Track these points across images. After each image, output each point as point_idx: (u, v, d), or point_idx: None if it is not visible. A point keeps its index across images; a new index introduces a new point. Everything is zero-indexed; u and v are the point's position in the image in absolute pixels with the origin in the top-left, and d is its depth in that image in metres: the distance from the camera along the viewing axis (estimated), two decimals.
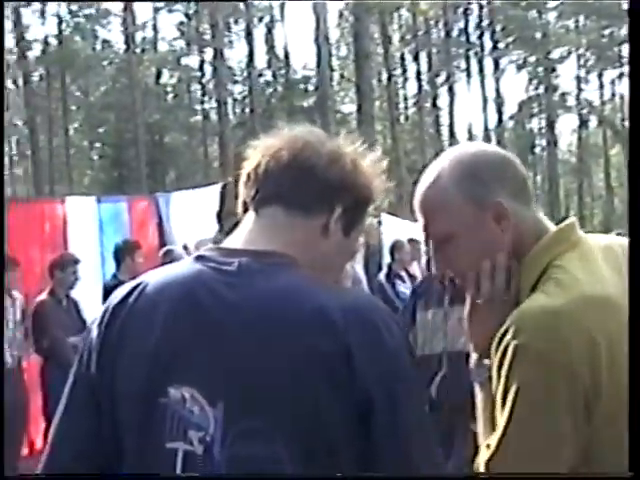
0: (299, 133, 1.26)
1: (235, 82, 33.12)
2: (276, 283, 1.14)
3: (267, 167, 1.23)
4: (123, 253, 6.16)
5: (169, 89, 34.49)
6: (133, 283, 1.23)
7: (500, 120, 33.35)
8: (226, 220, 8.09)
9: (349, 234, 1.26)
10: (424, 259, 8.42)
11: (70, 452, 1.21)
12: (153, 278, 1.22)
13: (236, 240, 1.24)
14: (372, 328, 1.11)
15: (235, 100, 33.23)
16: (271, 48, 33.87)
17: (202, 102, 33.75)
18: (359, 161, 1.26)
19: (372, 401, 1.08)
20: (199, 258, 1.21)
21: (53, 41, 30.57)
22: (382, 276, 7.93)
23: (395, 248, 7.86)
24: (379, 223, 9.74)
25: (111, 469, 1.18)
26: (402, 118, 35.24)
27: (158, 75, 33.33)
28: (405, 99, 36.41)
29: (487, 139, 31.75)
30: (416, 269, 8.01)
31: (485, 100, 33.39)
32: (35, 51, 30.37)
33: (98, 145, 34.27)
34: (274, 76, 34.45)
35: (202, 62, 32.79)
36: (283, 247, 1.19)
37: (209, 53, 30.83)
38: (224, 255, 1.19)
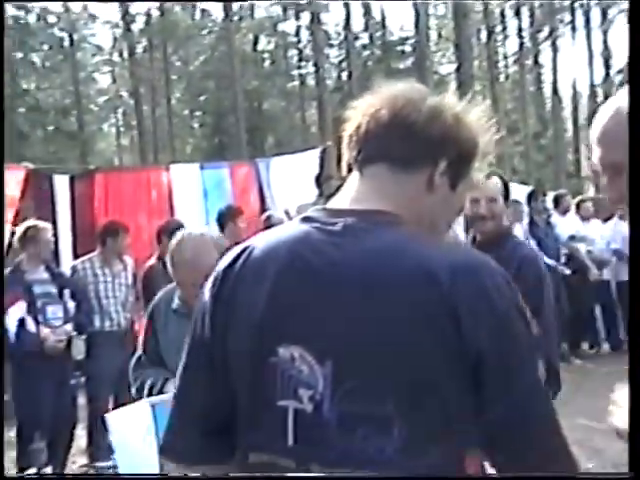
0: (399, 91, 1.26)
1: (332, 46, 32.99)
2: (381, 242, 1.14)
3: (368, 127, 1.24)
4: (226, 218, 6.30)
5: (266, 55, 34.70)
6: (241, 247, 1.26)
7: (607, 74, 31.86)
8: (325, 184, 8.10)
9: (455, 188, 1.25)
10: (525, 220, 8.23)
11: (191, 411, 1.27)
12: (260, 241, 1.24)
13: (341, 200, 1.25)
14: (480, 288, 1.09)
15: (332, 64, 33.13)
16: (367, 10, 33.47)
17: (299, 67, 33.82)
18: (462, 115, 1.25)
19: (482, 361, 1.07)
20: (305, 219, 1.23)
21: (155, 12, 31.26)
22: None
23: None
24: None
25: (229, 426, 1.23)
26: (502, 77, 34.21)
27: (255, 42, 33.58)
28: (505, 57, 35.25)
29: (593, 95, 30.43)
30: (519, 230, 7.84)
31: (591, 54, 31.95)
32: (139, 23, 31.17)
33: (198, 114, 34.95)
34: (371, 39, 34.07)
35: (299, 27, 32.81)
36: (388, 205, 1.19)
37: (306, 18, 30.80)
38: (330, 216, 1.21)
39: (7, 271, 5.36)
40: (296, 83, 34.06)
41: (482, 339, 1.07)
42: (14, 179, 7.07)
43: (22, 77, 28.15)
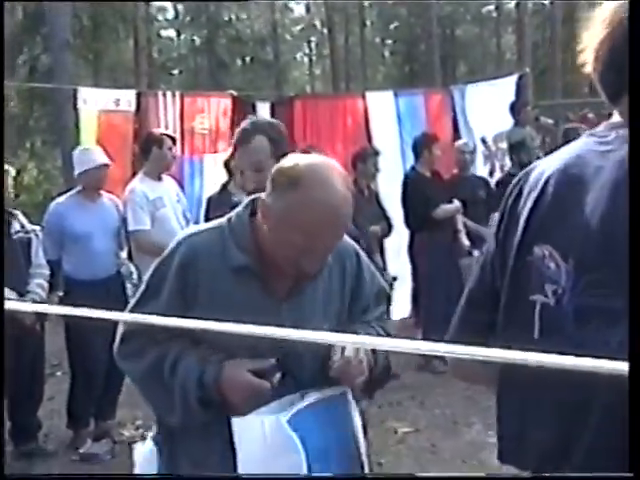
0: None
1: None
2: None
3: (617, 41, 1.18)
4: (421, 146, 6.31)
5: None
6: (531, 166, 1.37)
7: None
8: (520, 113, 7.86)
9: None
10: None
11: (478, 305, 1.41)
12: (548, 157, 1.34)
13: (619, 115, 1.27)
14: None
15: None
16: None
17: None
18: None
19: None
20: (590, 134, 1.28)
21: None
22: None
23: None
24: None
25: (497, 318, 1.33)
26: None
27: None
28: None
29: None
30: None
31: None
32: None
33: (389, 42, 34.64)
34: None
35: None
36: None
37: None
38: (607, 128, 1.25)
39: (215, 192, 5.72)
40: (491, 7, 32.62)
41: None
42: (220, 107, 7.48)
43: (224, 9, 29.24)
